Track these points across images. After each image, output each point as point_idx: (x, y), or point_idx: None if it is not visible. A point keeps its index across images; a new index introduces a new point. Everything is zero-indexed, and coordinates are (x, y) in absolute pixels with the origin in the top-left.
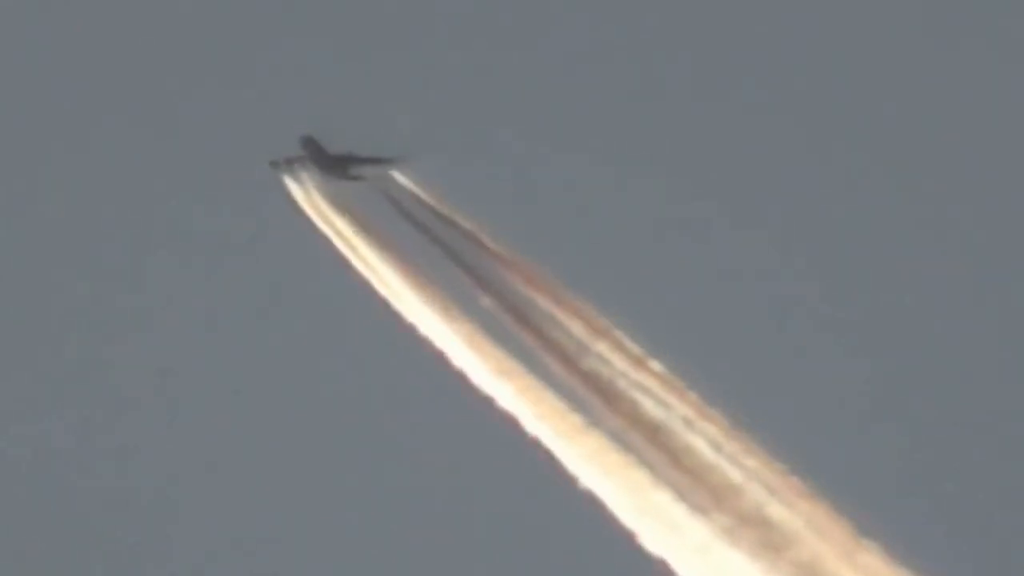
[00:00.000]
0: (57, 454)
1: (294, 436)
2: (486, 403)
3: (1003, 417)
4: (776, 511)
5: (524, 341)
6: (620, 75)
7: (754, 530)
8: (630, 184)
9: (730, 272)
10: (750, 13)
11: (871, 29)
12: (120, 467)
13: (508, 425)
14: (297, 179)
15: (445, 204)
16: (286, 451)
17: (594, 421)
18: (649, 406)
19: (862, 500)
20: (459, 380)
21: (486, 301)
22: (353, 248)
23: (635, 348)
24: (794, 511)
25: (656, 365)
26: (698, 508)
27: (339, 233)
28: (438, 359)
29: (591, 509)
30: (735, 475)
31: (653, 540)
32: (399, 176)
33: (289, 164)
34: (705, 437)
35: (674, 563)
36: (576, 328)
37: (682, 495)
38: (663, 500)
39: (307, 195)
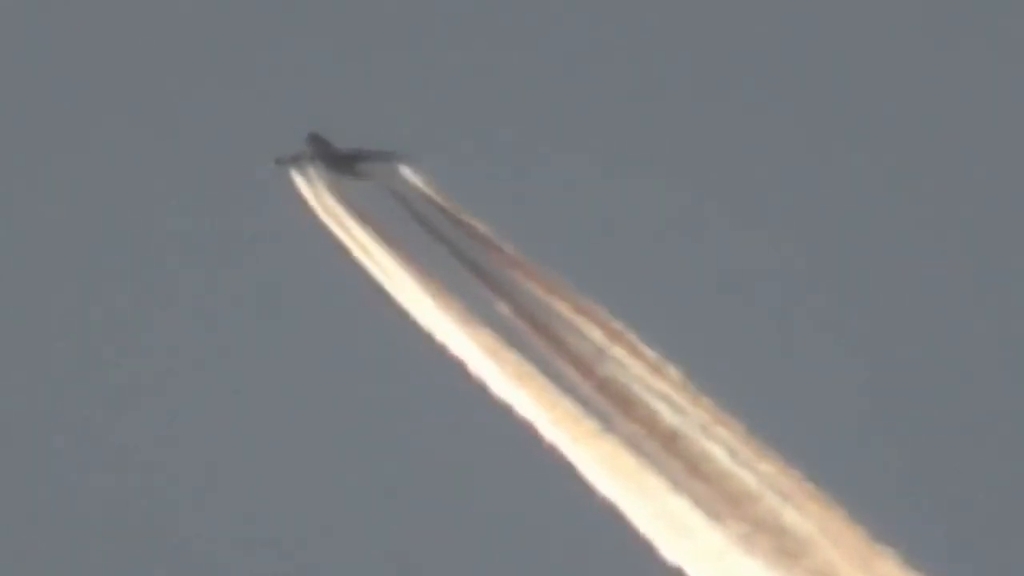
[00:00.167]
0: (57, 454)
1: (303, 440)
2: (504, 409)
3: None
4: (792, 517)
5: (539, 346)
6: (620, 75)
7: (770, 537)
8: (630, 184)
9: (731, 272)
10: (750, 13)
11: (871, 29)
12: (120, 467)
13: (524, 431)
14: (304, 177)
15: (454, 204)
16: (295, 456)
17: (609, 427)
18: (666, 413)
19: (876, 505)
20: (477, 386)
21: (501, 306)
22: (365, 249)
23: (649, 352)
24: (809, 517)
25: (672, 370)
26: (714, 515)
27: (349, 233)
28: (455, 365)
29: (607, 515)
30: (750, 481)
31: (669, 547)
32: (407, 173)
33: (295, 161)
34: (721, 443)
35: (690, 570)
36: (593, 333)
37: (698, 501)
38: (679, 506)
39: (315, 193)
